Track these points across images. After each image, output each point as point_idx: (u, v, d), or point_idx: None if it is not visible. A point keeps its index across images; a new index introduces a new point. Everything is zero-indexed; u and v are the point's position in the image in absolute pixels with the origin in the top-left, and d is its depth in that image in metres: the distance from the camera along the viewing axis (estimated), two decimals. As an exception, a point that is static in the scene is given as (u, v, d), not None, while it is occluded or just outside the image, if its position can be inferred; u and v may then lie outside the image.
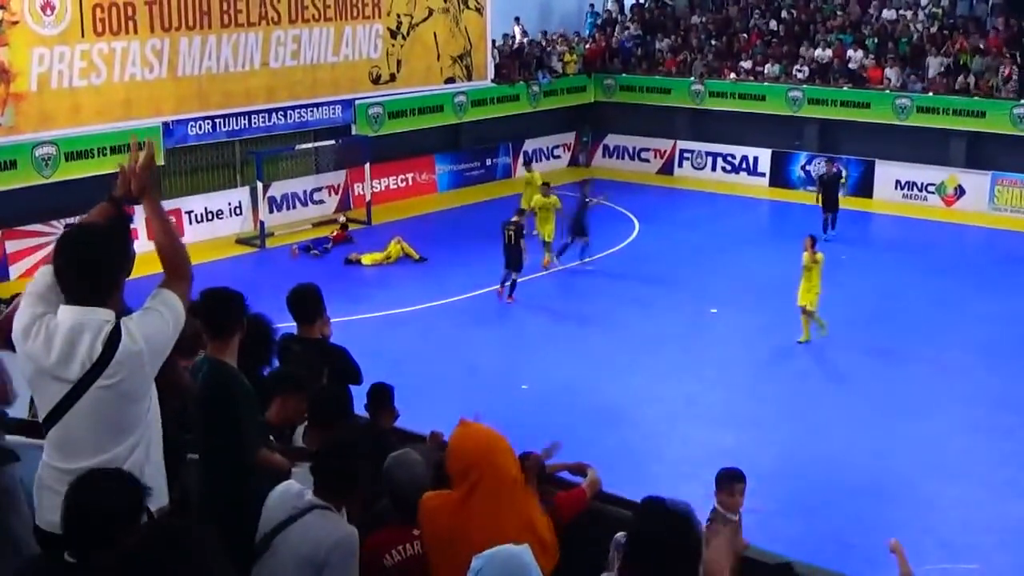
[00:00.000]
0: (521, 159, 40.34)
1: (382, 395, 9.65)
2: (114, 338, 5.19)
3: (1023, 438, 18.77)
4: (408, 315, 25.06)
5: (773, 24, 41.50)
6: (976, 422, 19.40)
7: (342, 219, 32.52)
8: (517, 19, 41.63)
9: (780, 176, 38.31)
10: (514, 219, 26.59)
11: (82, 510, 4.69)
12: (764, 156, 38.81)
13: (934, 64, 36.30)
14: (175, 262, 5.65)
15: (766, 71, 39.33)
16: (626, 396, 20.42)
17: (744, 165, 39.25)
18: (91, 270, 5.30)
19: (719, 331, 24.41)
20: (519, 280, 26.18)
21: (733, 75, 39.82)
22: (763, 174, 38.79)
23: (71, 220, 27.58)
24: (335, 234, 31.10)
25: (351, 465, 6.16)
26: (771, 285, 27.03)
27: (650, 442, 18.68)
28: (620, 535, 8.89)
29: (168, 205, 29.72)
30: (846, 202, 32.12)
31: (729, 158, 39.57)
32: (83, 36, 27.99)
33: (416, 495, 6.70)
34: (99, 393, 5.19)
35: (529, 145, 40.77)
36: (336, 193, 34.70)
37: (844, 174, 32.37)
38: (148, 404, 5.38)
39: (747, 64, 39.86)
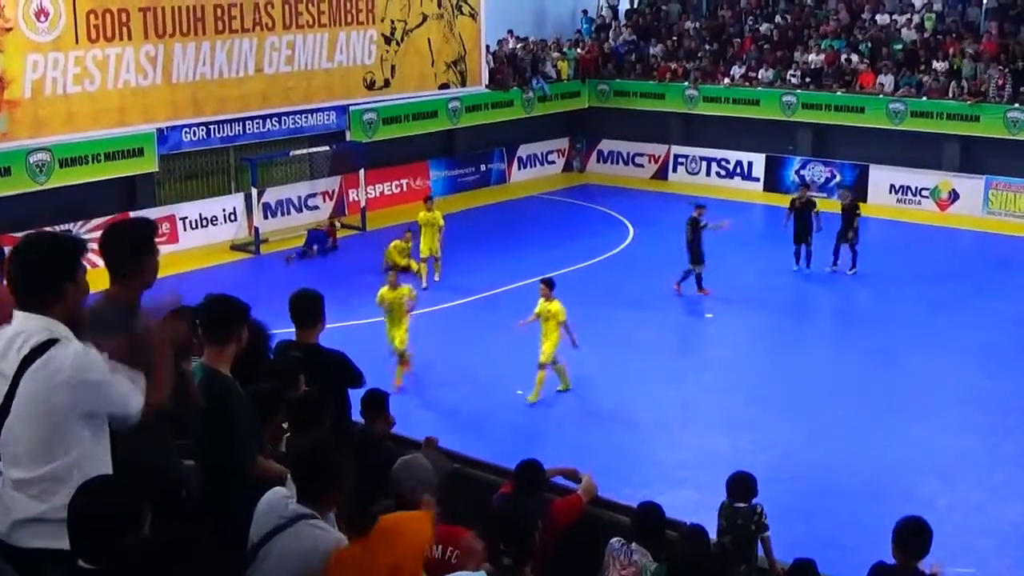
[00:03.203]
0: (514, 166, 40.42)
1: (377, 401, 9.64)
2: (42, 348, 5.20)
3: (1020, 441, 18.79)
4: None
5: (766, 28, 41.54)
6: (973, 425, 19.41)
7: (338, 224, 32.51)
8: (511, 32, 41.66)
9: (774, 181, 38.30)
10: (693, 214, 26.87)
11: (85, 515, 4.76)
12: (758, 161, 38.81)
13: (940, 68, 36.29)
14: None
15: (760, 76, 39.36)
16: (621, 401, 20.43)
17: (738, 170, 39.25)
18: (29, 277, 5.36)
19: (714, 335, 24.41)
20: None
21: (727, 80, 39.84)
22: (757, 179, 38.80)
23: (66, 226, 27.62)
24: (327, 227, 31.55)
25: (326, 467, 6.11)
26: (766, 289, 27.05)
27: (645, 447, 18.68)
28: (615, 540, 8.91)
29: (163, 212, 29.81)
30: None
31: (723, 163, 39.57)
32: (77, 42, 27.97)
33: (421, 499, 6.69)
34: (24, 398, 5.20)
35: (523, 151, 40.79)
36: (330, 199, 34.64)
37: (818, 206, 29.22)
38: (78, 433, 5.27)
39: (740, 69, 39.88)
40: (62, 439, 5.23)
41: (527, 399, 20.33)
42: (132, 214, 26.56)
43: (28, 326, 5.28)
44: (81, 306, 5.52)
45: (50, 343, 5.21)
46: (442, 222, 27.66)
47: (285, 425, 7.83)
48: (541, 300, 20.59)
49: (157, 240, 6.28)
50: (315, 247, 30.78)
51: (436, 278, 27.39)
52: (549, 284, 20.72)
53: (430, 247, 27.24)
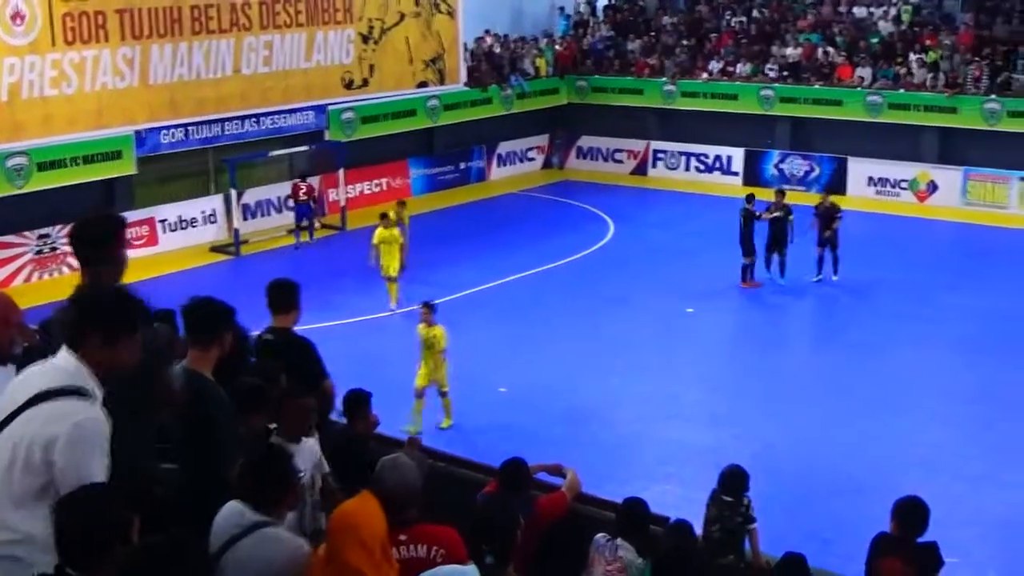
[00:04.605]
0: (493, 163, 40.41)
1: (358, 401, 9.66)
2: (54, 395, 5.11)
3: (1000, 431, 18.88)
4: (385, 320, 25.01)
5: (743, 20, 41.67)
6: (953, 416, 19.50)
7: (302, 188, 32.65)
8: (488, 31, 41.70)
9: (753, 175, 38.35)
10: (747, 205, 27.06)
11: (72, 528, 4.70)
12: (737, 155, 38.92)
13: (917, 60, 36.44)
14: None
15: (738, 70, 39.43)
16: (604, 397, 20.45)
17: (717, 164, 39.35)
18: (72, 326, 5.30)
19: (695, 330, 24.45)
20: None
21: (705, 75, 39.90)
22: (736, 173, 38.90)
23: (44, 231, 27.52)
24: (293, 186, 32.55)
25: (277, 472, 6.12)
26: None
27: (628, 443, 18.69)
28: (600, 536, 8.93)
29: (141, 214, 29.72)
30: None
31: (702, 158, 39.65)
32: (54, 45, 27.84)
33: (406, 498, 6.70)
34: (13, 432, 5.12)
35: (503, 148, 40.79)
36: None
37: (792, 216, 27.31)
38: (36, 507, 5.06)
39: (718, 64, 39.95)
40: (23, 502, 5.09)
41: (440, 425, 19.11)
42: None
43: (61, 362, 5.24)
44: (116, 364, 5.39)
45: (66, 392, 5.13)
46: (402, 239, 26.01)
47: (272, 426, 7.83)
48: (422, 325, 19.00)
49: (126, 235, 6.29)
50: (304, 220, 31.83)
51: (392, 305, 25.34)
52: (430, 308, 19.06)
53: (390, 266, 25.38)
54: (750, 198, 27.40)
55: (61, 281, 25.83)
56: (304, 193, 32.14)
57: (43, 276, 27.50)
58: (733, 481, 11.35)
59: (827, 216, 27.19)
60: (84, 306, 5.33)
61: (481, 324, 24.65)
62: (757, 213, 26.82)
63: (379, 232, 25.59)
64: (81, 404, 5.12)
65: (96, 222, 6.39)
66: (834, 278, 27.15)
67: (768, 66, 38.86)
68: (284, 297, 9.37)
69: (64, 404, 5.09)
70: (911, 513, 8.81)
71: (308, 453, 7.83)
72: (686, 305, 25.64)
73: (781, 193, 28.23)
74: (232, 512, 6.05)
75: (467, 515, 6.46)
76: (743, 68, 39.31)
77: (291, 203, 33.11)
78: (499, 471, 9.22)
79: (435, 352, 18.80)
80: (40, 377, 5.22)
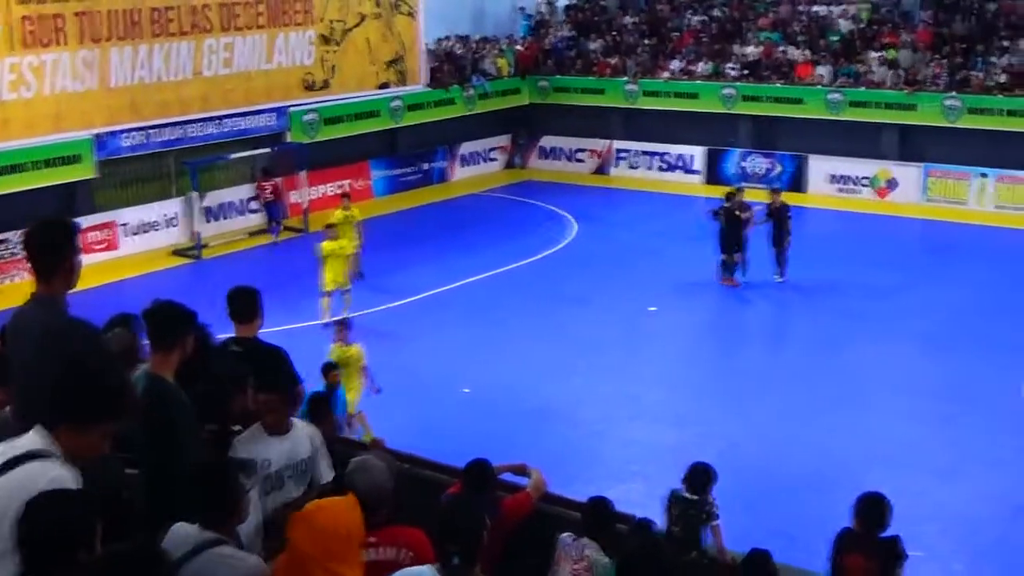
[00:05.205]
0: (456, 164, 40.39)
1: (321, 403, 9.63)
2: (23, 459, 5.05)
3: (962, 426, 19.00)
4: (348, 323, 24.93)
5: (704, 19, 41.82)
6: (915, 412, 19.58)
7: (268, 188, 33.07)
8: (448, 37, 41.73)
9: (715, 173, 38.46)
10: (725, 204, 27.01)
11: (34, 535, 4.64)
12: (699, 154, 39.01)
13: (875, 60, 36.67)
14: None
15: (699, 69, 39.53)
16: (567, 397, 20.45)
17: (679, 163, 39.44)
18: (52, 399, 5.25)
19: (658, 329, 24.48)
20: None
21: (666, 74, 39.98)
22: (698, 172, 39.01)
23: (3, 236, 27.29)
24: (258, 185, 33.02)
25: (226, 487, 6.05)
26: (709, 282, 27.15)
27: (592, 442, 18.71)
28: (566, 535, 8.94)
29: (102, 218, 29.53)
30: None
31: (664, 157, 39.73)
32: (12, 49, 27.64)
33: (378, 501, 6.68)
34: None
35: (465, 148, 40.75)
36: (273, 202, 34.49)
37: (749, 213, 27.25)
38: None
39: (680, 63, 40.04)
40: None
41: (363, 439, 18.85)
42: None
43: (34, 434, 5.18)
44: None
45: (34, 456, 5.08)
46: (352, 249, 25.42)
47: (236, 428, 7.79)
48: (337, 344, 18.25)
49: (80, 240, 6.25)
50: (273, 221, 32.41)
51: (345, 313, 23.08)
52: (344, 325, 18.65)
53: (335, 279, 24.21)
54: (730, 196, 27.40)
55: (21, 286, 25.63)
56: (270, 192, 32.20)
57: (3, 281, 27.29)
58: (698, 478, 11.38)
59: (780, 215, 27.18)
60: (58, 396, 5.24)
61: (444, 325, 24.63)
62: (736, 213, 26.80)
63: (326, 244, 24.43)
64: (51, 464, 5.08)
65: (47, 228, 6.35)
66: (779, 279, 27.19)
67: (728, 65, 38.99)
68: (245, 306, 9.17)
69: (36, 466, 5.05)
70: (872, 509, 8.95)
71: (288, 449, 7.76)
72: (649, 304, 25.68)
73: (740, 191, 28.36)
74: (180, 531, 5.97)
75: (432, 516, 6.45)
76: (704, 67, 39.42)
77: (255, 204, 33.15)
78: (464, 472, 9.21)
79: (352, 371, 18.08)
80: (10, 449, 5.17)
